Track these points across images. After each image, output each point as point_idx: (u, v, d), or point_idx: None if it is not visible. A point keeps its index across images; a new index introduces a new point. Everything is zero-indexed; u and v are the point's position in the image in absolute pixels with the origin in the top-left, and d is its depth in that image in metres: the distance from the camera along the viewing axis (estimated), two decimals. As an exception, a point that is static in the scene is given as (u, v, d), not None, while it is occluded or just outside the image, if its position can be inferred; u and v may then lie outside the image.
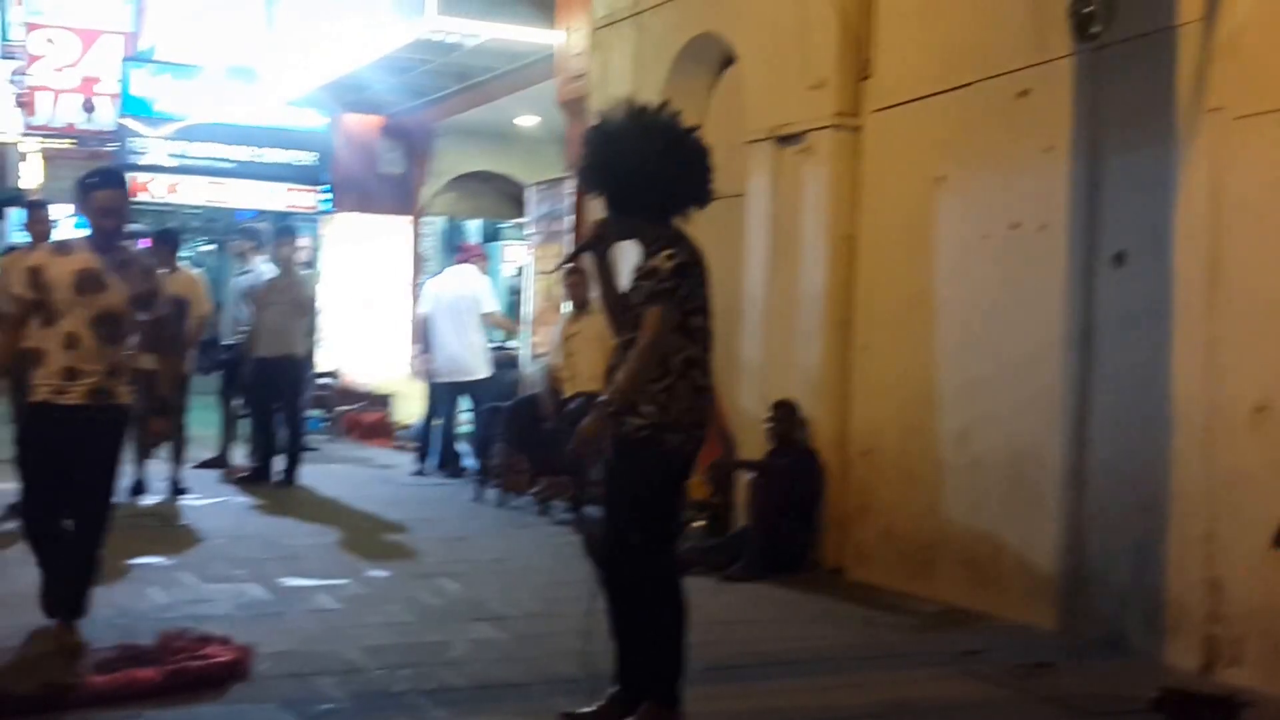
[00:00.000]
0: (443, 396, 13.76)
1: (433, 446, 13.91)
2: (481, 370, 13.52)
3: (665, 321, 5.19)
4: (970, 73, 8.17)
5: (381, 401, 17.69)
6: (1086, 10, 7.22)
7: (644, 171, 5.24)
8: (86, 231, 6.65)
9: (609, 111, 5.49)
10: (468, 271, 13.83)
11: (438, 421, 13.93)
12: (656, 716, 5.30)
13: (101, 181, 6.70)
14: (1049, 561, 7.57)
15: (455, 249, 15.91)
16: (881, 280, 8.94)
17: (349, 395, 17.74)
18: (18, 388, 7.40)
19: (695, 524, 5.70)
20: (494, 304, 13.95)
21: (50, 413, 6.46)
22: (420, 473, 13.82)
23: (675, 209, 5.38)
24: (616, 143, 5.33)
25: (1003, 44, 7.97)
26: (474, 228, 19.36)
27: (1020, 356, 7.79)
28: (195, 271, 13.38)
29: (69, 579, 6.61)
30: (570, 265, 11.85)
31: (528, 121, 16.63)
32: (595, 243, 5.47)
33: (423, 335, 14.07)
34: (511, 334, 14.95)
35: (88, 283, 6.44)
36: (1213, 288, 6.63)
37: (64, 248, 6.72)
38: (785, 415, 9.11)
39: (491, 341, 14.07)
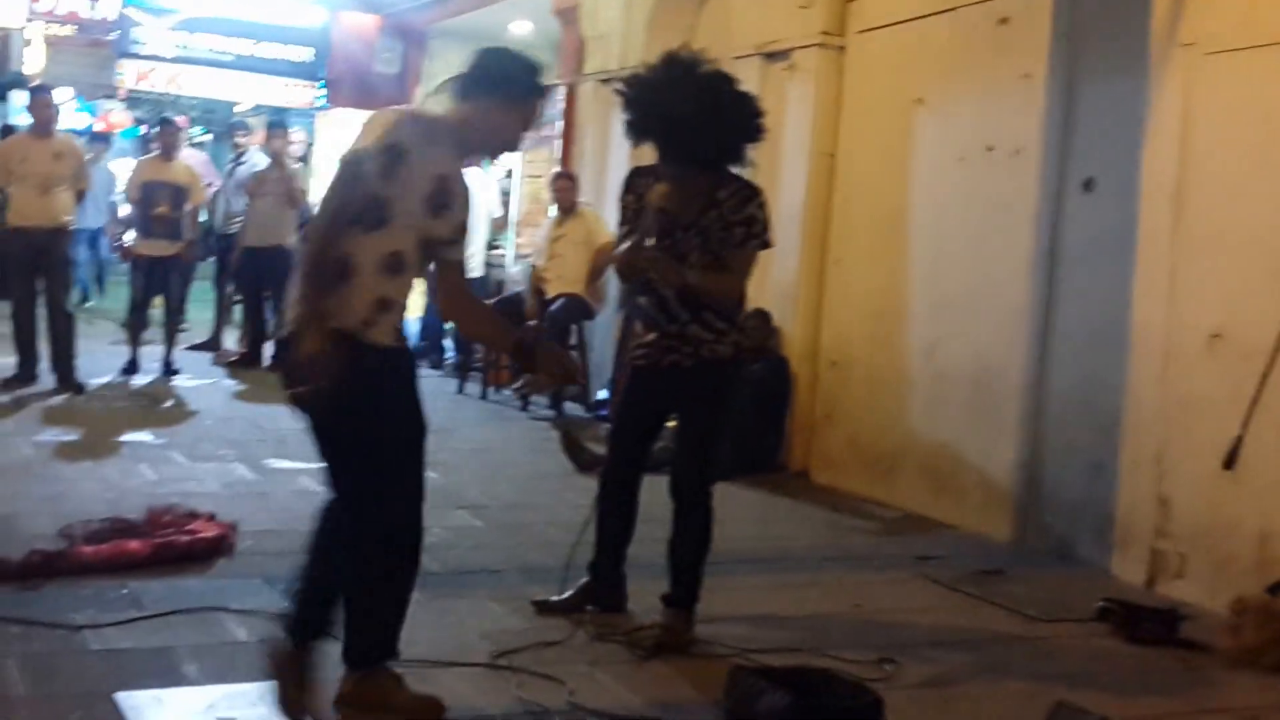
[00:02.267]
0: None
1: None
2: (475, 270, 13.69)
3: (754, 261, 5.49)
4: (953, -2, 8.30)
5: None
6: (1066, -60, 7.37)
7: (708, 123, 5.26)
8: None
9: (659, 64, 5.47)
10: (472, 174, 13.97)
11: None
12: (687, 623, 5.48)
13: None
14: (1006, 474, 7.76)
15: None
16: (858, 197, 9.10)
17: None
18: None
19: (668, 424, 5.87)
20: (498, 207, 14.11)
21: None
22: None
23: (734, 158, 5.46)
24: (676, 96, 5.30)
25: (985, -29, 8.06)
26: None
27: (989, 276, 7.95)
28: (196, 159, 13.50)
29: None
30: (561, 172, 12.05)
31: (521, 28, 16.66)
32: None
33: None
34: (498, 233, 15.12)
35: None
36: (1176, 217, 6.76)
37: None
38: (759, 323, 9.28)
39: (493, 243, 14.26)
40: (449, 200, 4.33)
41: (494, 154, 5.05)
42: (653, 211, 5.37)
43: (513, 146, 4.65)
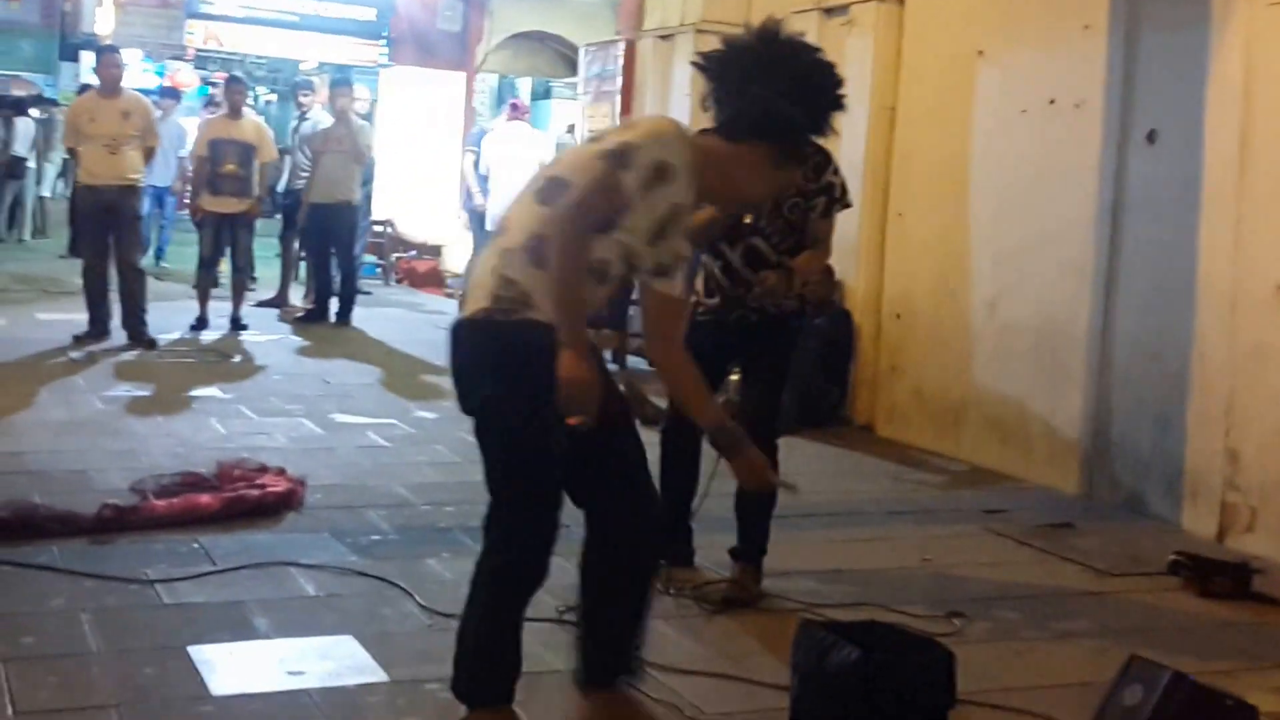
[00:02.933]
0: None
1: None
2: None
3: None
4: (1013, -51, 8.24)
5: (433, 251, 17.95)
6: (1131, -110, 7.31)
7: (787, 94, 5.21)
8: None
9: (741, 35, 5.41)
10: (523, 128, 14.08)
11: None
12: (755, 577, 5.51)
13: None
14: (1073, 427, 7.74)
15: (507, 105, 16.08)
16: (919, 150, 9.07)
17: (402, 243, 18.01)
18: None
19: (731, 377, 5.87)
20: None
21: None
22: None
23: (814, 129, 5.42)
24: (758, 67, 5.23)
25: (1047, -79, 8.00)
26: (525, 85, 19.45)
27: (1052, 228, 7.92)
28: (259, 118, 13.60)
29: None
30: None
31: (581, -16, 16.73)
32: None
33: (480, 182, 14.34)
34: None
35: None
36: (1241, 168, 6.71)
37: None
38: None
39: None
40: (672, 231, 3.94)
41: (738, 207, 4.54)
42: None
43: (759, 203, 4.35)
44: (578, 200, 3.76)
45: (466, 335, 3.89)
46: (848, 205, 5.58)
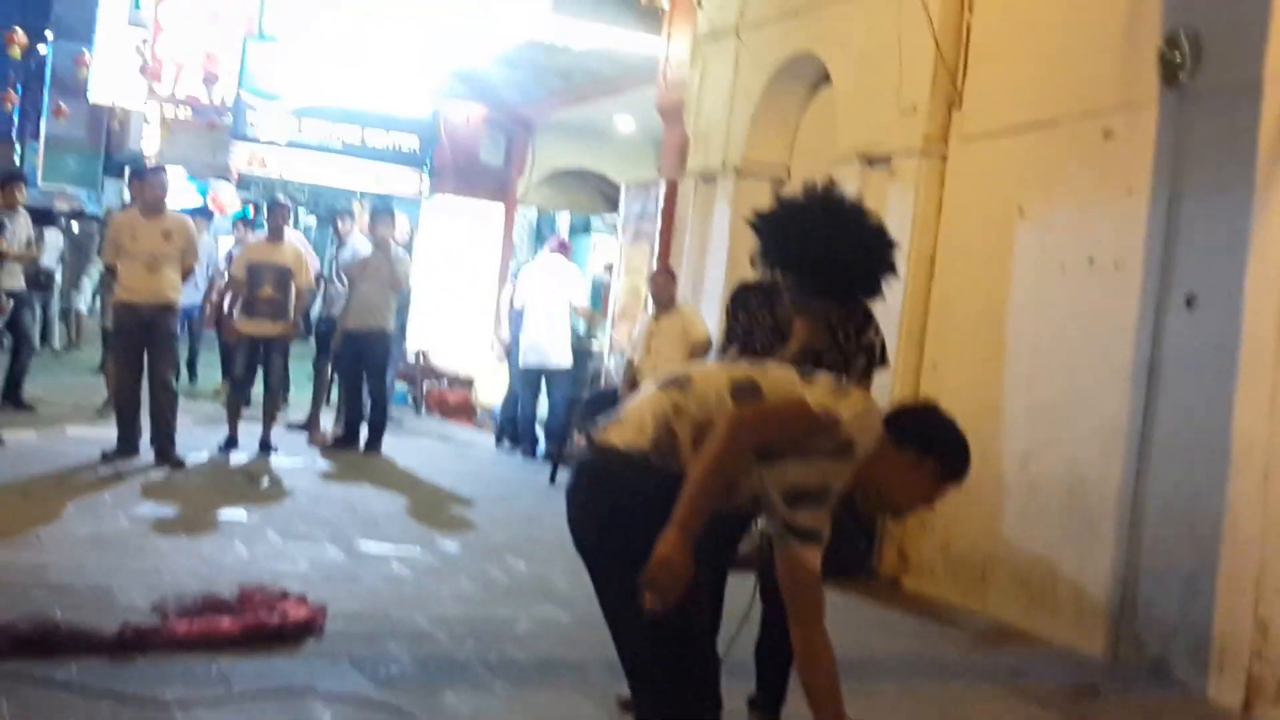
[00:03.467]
0: (525, 382, 14.13)
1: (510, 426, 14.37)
2: (565, 361, 13.88)
3: None
4: (1057, 110, 8.31)
5: (466, 382, 18.02)
6: (1175, 57, 7.37)
7: (843, 257, 5.15)
8: None
9: (800, 194, 5.31)
10: (559, 262, 14.19)
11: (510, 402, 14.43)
12: None
13: None
14: (1101, 588, 7.66)
15: (546, 239, 16.22)
16: (956, 302, 9.10)
17: (435, 373, 18.08)
18: None
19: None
20: (583, 297, 14.26)
21: None
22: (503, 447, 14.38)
23: (868, 291, 5.36)
24: (816, 228, 5.17)
25: (1091, 84, 8.08)
26: (563, 220, 19.65)
27: (1087, 387, 7.91)
28: (297, 237, 13.69)
29: None
30: (660, 268, 12.12)
31: (625, 124, 16.90)
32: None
33: (512, 320, 14.43)
34: (595, 325, 15.24)
35: None
36: (1280, 334, 6.73)
37: None
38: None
39: (575, 332, 14.42)
40: (810, 503, 3.86)
41: (879, 510, 4.37)
42: (796, 347, 5.30)
43: (899, 513, 4.32)
44: (770, 411, 3.78)
45: (618, 468, 3.81)
46: (886, 365, 5.58)
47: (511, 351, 14.40)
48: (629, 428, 3.81)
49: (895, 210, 9.31)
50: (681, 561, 3.52)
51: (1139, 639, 7.45)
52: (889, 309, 9.08)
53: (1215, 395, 7.07)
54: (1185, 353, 7.35)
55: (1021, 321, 8.52)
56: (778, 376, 3.97)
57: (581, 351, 14.62)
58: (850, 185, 9.37)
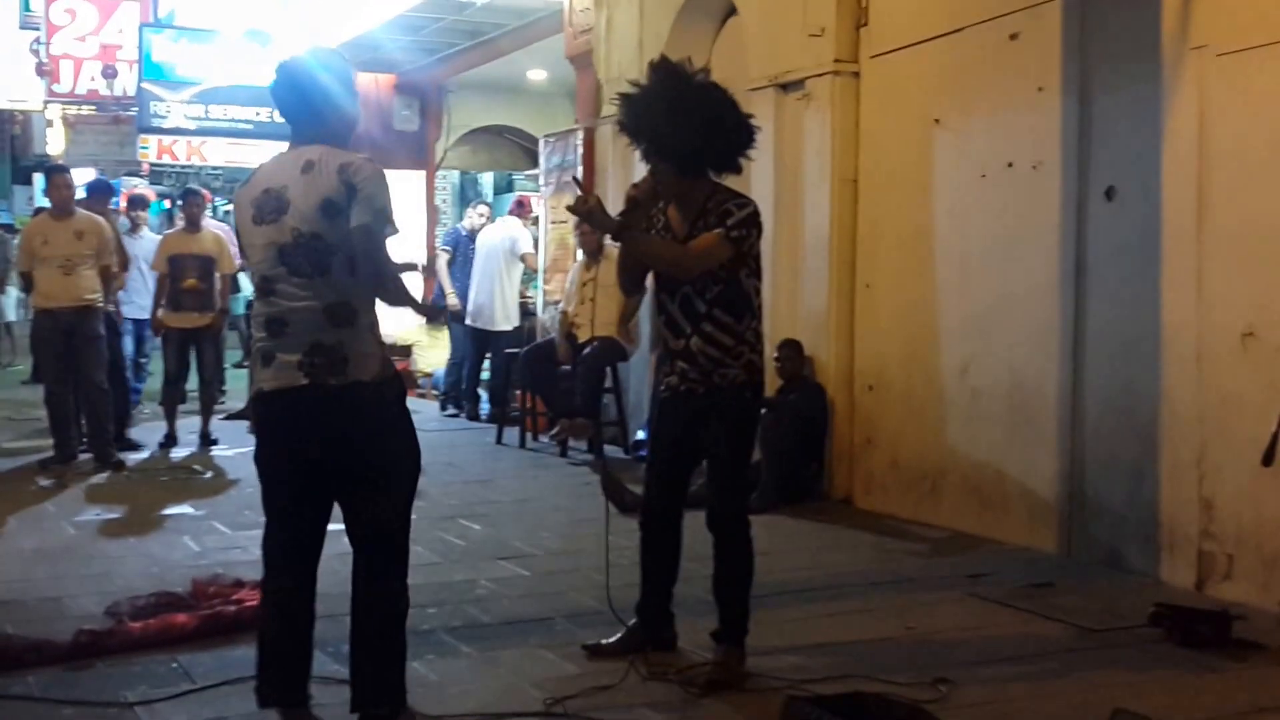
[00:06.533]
0: (469, 341, 14.10)
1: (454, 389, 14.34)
2: (510, 324, 13.85)
3: (719, 250, 5.32)
4: (962, 17, 8.33)
5: (403, 351, 17.92)
6: (1072, -48, 7.40)
7: (700, 131, 5.32)
8: None
9: (656, 73, 5.51)
10: (514, 224, 14.15)
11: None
12: (739, 658, 5.45)
13: None
14: (1049, 487, 7.75)
15: (471, 200, 16.10)
16: (882, 220, 9.11)
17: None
18: None
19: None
20: (530, 247, 14.15)
21: None
22: (448, 413, 14.37)
23: (724, 165, 5.50)
24: (670, 104, 5.37)
25: (992, -12, 8.09)
26: (487, 180, 19.55)
27: (1018, 291, 7.96)
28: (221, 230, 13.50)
29: None
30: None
31: (537, 76, 16.81)
32: (639, 205, 5.46)
33: (455, 279, 14.36)
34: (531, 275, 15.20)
35: None
36: (1200, 220, 6.77)
37: None
38: (792, 353, 9.34)
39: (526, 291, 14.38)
40: None
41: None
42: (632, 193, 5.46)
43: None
44: None
45: None
46: (734, 241, 5.32)
47: (461, 315, 14.28)
48: None
49: (813, 134, 9.35)
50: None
51: (1090, 532, 7.54)
52: (817, 231, 9.18)
53: (1142, 286, 7.14)
54: (1110, 248, 7.40)
55: (948, 232, 8.54)
56: None
57: (524, 310, 14.56)
58: (766, 112, 9.39)
